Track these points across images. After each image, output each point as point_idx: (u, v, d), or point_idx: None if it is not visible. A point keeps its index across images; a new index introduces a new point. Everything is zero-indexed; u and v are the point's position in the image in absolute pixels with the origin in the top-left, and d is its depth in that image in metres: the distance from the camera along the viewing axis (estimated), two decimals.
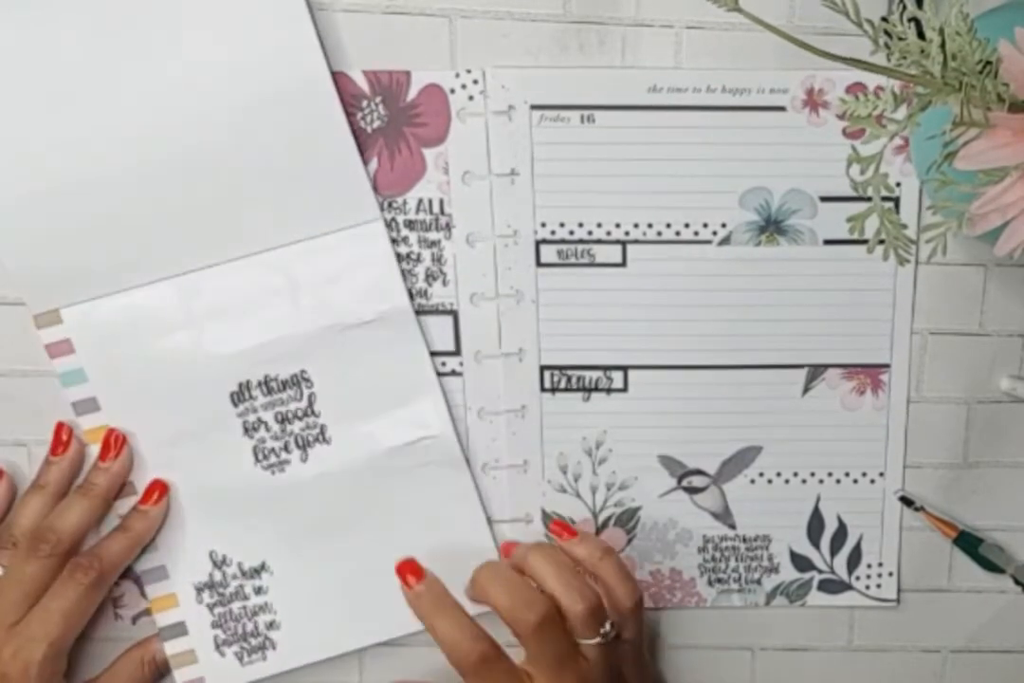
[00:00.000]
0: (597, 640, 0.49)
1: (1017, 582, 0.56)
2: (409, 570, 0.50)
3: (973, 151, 0.37)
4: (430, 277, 0.53)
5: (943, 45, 0.38)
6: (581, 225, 0.52)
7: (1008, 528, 0.56)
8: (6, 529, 0.51)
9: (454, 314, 0.53)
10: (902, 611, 0.57)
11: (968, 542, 0.55)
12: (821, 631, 0.57)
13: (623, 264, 0.53)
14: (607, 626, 0.49)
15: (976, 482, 0.56)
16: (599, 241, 0.52)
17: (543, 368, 0.54)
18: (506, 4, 0.50)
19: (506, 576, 0.50)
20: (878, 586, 0.56)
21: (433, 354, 0.53)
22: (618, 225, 0.52)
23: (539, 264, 0.53)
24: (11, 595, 0.49)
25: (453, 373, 0.53)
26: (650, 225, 0.52)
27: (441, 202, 0.52)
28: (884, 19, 0.39)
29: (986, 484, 0.56)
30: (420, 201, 0.52)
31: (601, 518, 0.55)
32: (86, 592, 0.49)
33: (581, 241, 0.52)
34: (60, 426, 0.52)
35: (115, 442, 0.52)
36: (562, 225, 0.52)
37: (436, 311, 0.53)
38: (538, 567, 0.50)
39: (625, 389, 0.54)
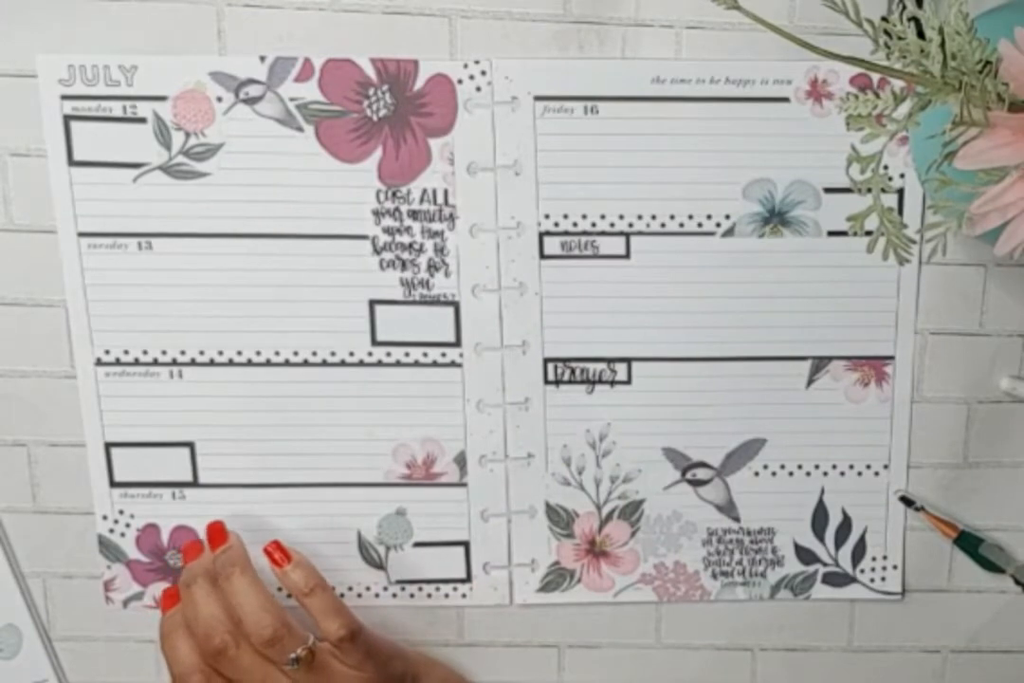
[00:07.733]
0: (288, 666, 0.49)
1: (1017, 582, 0.56)
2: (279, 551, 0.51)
3: (973, 151, 0.37)
4: (432, 268, 0.52)
5: (943, 44, 0.38)
6: (585, 217, 0.52)
7: (1008, 528, 0.56)
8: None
9: (455, 305, 0.53)
10: (902, 611, 0.57)
11: (968, 542, 0.55)
12: (821, 631, 0.57)
13: (627, 256, 0.52)
14: (298, 652, 0.49)
15: (976, 482, 0.56)
16: (603, 233, 0.52)
17: (547, 360, 0.53)
18: (506, 4, 0.50)
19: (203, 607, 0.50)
20: (883, 579, 0.56)
21: (433, 345, 0.53)
22: (622, 217, 0.52)
23: (543, 256, 0.52)
24: None
25: (453, 364, 0.53)
26: (654, 217, 0.52)
27: (446, 193, 0.52)
28: (884, 19, 0.39)
29: (986, 484, 0.56)
30: (424, 191, 0.52)
31: (605, 511, 0.55)
32: None
33: (585, 233, 0.52)
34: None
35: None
36: (566, 217, 0.52)
37: (437, 302, 0.53)
38: (238, 593, 0.50)
39: (629, 381, 0.54)
